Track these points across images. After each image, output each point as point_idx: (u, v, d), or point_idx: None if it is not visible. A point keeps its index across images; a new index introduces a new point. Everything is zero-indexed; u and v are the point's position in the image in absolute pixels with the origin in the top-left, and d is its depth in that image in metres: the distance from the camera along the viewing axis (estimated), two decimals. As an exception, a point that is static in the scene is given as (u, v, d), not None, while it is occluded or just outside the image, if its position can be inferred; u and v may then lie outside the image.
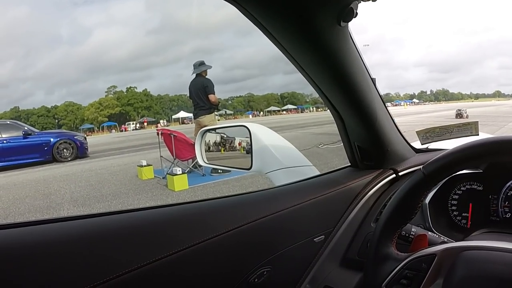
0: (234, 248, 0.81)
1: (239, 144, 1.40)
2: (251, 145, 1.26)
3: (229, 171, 4.48)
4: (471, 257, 0.62)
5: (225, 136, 1.49)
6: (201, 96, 6.23)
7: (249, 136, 1.28)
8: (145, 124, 65.67)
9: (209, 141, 1.51)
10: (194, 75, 6.34)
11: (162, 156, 6.87)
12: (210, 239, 0.76)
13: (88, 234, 0.64)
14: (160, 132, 6.96)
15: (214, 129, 1.52)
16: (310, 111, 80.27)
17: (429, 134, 1.24)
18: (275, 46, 0.86)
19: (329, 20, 0.73)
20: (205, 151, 1.51)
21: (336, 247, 0.98)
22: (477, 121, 1.16)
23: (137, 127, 62.73)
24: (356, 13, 0.75)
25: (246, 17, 0.77)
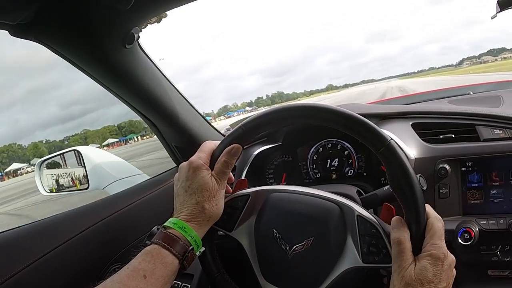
0: (82, 252, 0.90)
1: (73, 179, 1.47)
2: (84, 165, 1.34)
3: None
4: (277, 198, 0.73)
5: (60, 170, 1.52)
6: None
7: (81, 158, 1.36)
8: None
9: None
10: None
11: None
12: (57, 247, 0.84)
13: None
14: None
15: (49, 159, 1.53)
16: (135, 141, 77.45)
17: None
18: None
19: (115, 45, 0.90)
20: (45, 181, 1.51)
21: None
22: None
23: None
24: (138, 36, 0.93)
25: (52, 51, 0.88)
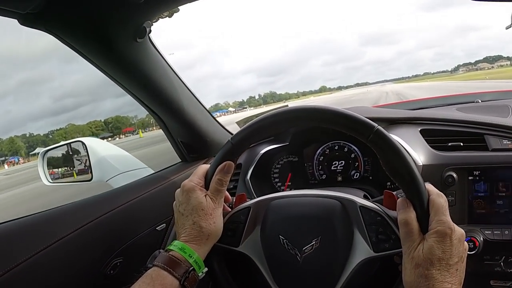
0: (85, 245, 0.89)
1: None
2: (88, 157, 1.33)
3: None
4: (278, 204, 0.72)
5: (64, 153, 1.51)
6: None
7: (85, 149, 1.35)
8: None
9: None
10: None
11: None
12: (59, 240, 0.83)
13: None
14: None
15: (53, 149, 1.53)
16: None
17: (248, 122, 1.50)
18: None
19: (126, 38, 0.89)
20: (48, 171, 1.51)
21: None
22: (287, 105, 1.45)
23: None
24: (150, 30, 0.92)
25: (62, 43, 0.88)
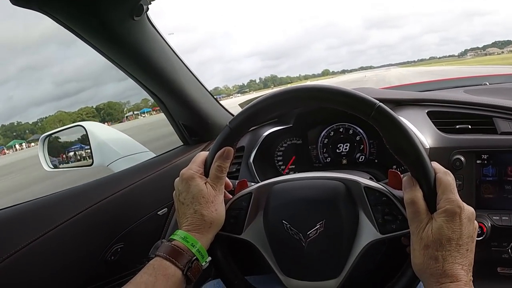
0: (85, 230, 0.88)
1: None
2: (89, 142, 1.32)
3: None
4: (280, 189, 0.70)
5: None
6: None
7: (86, 133, 1.34)
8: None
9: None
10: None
11: None
12: (59, 225, 0.82)
13: None
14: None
15: (53, 134, 1.51)
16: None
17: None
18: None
19: (123, 16, 0.86)
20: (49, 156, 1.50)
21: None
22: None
23: None
24: (147, 8, 0.88)
25: (57, 22, 0.84)
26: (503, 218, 0.92)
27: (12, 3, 0.77)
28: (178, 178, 0.71)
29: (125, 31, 0.89)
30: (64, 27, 0.85)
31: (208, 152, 0.72)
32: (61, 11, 0.81)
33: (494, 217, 0.92)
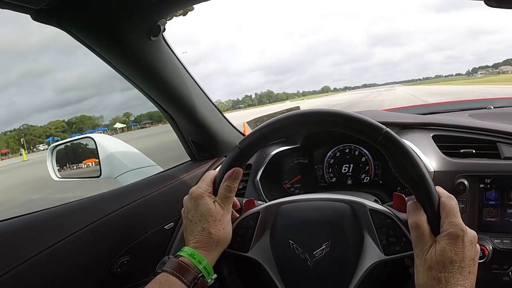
0: (93, 242, 0.90)
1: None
2: (98, 153, 1.34)
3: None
4: (287, 209, 0.72)
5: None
6: None
7: (95, 146, 1.36)
8: None
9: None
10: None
11: None
12: (69, 236, 0.84)
13: None
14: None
15: (63, 144, 1.54)
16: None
17: (258, 123, 1.49)
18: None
19: (140, 37, 0.90)
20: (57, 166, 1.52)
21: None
22: (299, 106, 1.46)
23: None
24: (164, 29, 0.92)
25: (75, 39, 0.88)
26: (505, 241, 0.92)
27: (33, 19, 0.80)
28: (187, 196, 0.73)
29: (142, 50, 0.93)
30: (82, 44, 0.89)
31: (217, 171, 0.74)
32: (80, 28, 0.86)
33: (495, 240, 0.93)
